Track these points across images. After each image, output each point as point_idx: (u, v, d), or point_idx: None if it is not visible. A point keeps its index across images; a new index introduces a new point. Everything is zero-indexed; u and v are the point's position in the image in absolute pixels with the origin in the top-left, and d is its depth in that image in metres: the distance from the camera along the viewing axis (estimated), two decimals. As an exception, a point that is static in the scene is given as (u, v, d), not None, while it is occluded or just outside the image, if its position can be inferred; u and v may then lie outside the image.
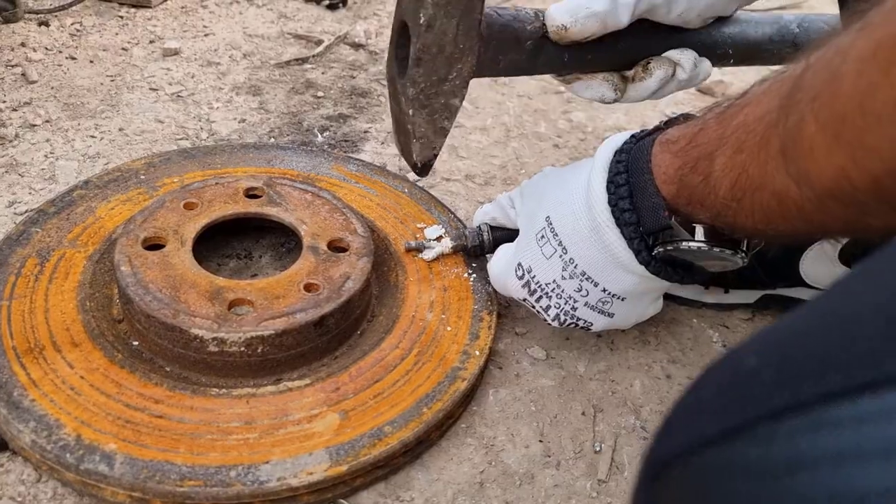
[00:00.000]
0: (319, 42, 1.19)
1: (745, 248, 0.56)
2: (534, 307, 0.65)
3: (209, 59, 1.13)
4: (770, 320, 0.78)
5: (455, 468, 0.61)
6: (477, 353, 0.66)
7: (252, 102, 1.04)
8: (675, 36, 0.69)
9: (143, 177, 0.79)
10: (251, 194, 0.74)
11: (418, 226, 0.78)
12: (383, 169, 0.88)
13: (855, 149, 0.36)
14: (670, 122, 0.58)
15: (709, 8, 0.68)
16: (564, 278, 0.61)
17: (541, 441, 0.64)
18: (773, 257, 0.73)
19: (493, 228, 0.72)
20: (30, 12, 1.14)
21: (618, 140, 0.59)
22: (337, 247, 0.69)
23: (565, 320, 0.64)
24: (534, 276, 0.63)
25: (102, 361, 0.60)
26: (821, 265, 0.71)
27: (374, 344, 0.65)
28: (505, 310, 0.74)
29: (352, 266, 0.67)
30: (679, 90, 0.71)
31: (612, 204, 0.57)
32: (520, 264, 0.64)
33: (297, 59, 1.14)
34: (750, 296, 0.77)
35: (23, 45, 1.09)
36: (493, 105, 1.12)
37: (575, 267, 0.60)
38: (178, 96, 1.04)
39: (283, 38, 1.21)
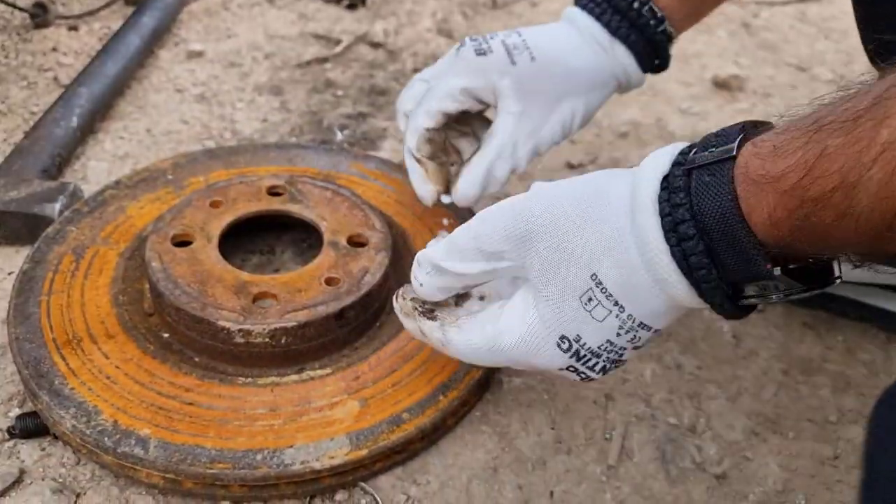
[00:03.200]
0: (339, 42, 1.22)
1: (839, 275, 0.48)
2: (575, 370, 0.53)
3: (232, 61, 1.16)
4: (781, 311, 0.80)
5: (470, 454, 0.64)
6: None
7: (274, 102, 1.07)
8: None
9: (170, 176, 0.83)
10: (273, 192, 0.77)
11: (436, 220, 0.80)
12: (401, 166, 0.90)
13: None
14: (726, 135, 0.47)
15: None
16: (619, 335, 0.51)
17: (553, 428, 0.66)
18: None
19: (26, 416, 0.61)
20: (60, 17, 1.18)
21: (656, 169, 0.48)
22: (356, 242, 0.72)
23: (609, 369, 0.54)
24: (584, 343, 0.51)
25: (136, 352, 0.64)
26: None
27: (393, 335, 0.68)
28: (519, 302, 0.77)
29: (370, 260, 0.70)
30: None
31: (679, 258, 0.46)
32: (564, 336, 0.51)
33: (317, 59, 1.17)
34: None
35: (54, 49, 1.13)
36: (508, 102, 1.14)
37: (633, 321, 0.50)
38: (203, 97, 1.07)
39: (303, 39, 1.24)
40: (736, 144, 0.45)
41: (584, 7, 0.72)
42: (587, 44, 0.71)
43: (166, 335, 0.67)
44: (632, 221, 0.48)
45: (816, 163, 0.41)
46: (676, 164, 0.47)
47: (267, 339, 0.63)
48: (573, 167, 1.00)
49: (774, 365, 0.74)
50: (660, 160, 0.48)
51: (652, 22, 0.70)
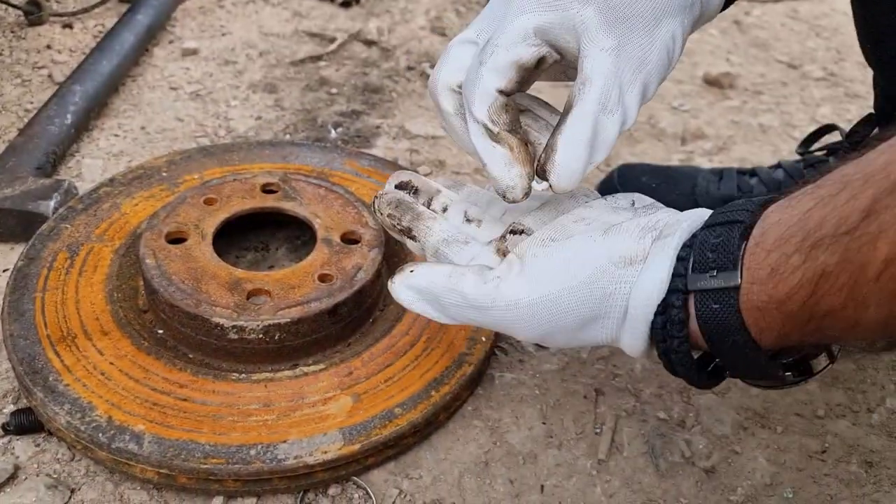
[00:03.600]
0: (333, 40, 1.23)
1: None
2: None
3: (226, 58, 1.16)
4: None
5: (462, 448, 0.65)
6: (483, 339, 0.69)
7: (268, 100, 1.08)
8: None
9: (164, 174, 0.83)
10: (267, 189, 0.77)
11: None
12: (395, 163, 0.91)
13: None
14: (725, 251, 0.44)
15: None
16: None
17: (544, 423, 0.67)
18: None
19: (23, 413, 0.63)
20: (54, 15, 1.18)
21: (653, 295, 0.45)
22: (349, 239, 0.73)
23: None
24: None
25: (130, 349, 0.64)
26: None
27: (386, 331, 0.69)
28: (511, 298, 0.78)
29: (364, 257, 0.70)
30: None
31: (669, 369, 0.48)
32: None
33: (311, 57, 1.18)
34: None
35: (48, 47, 1.13)
36: (502, 99, 1.14)
37: None
38: (197, 95, 1.08)
39: (297, 37, 1.24)
40: (740, 272, 0.43)
41: None
42: None
43: (161, 331, 0.67)
44: (621, 341, 0.47)
45: (820, 283, 0.40)
46: (673, 290, 0.44)
47: (260, 336, 0.64)
48: (566, 164, 1.01)
49: (763, 360, 0.74)
50: (656, 284, 0.45)
51: None
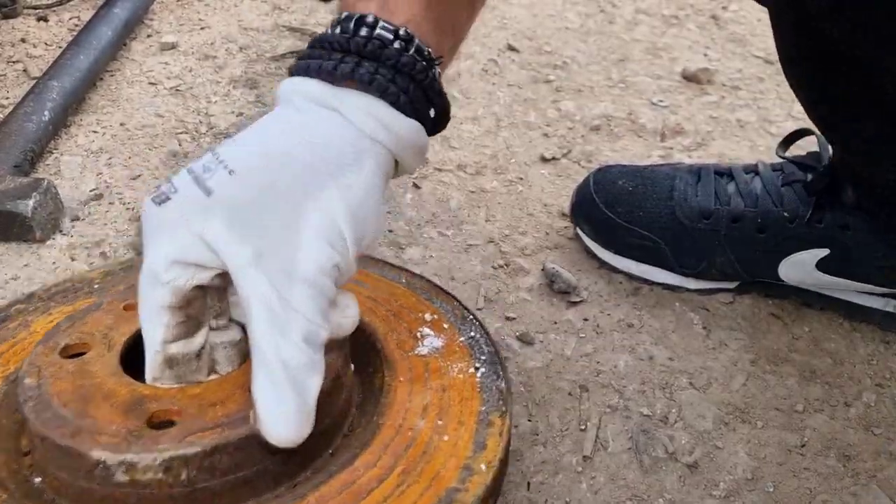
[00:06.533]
0: (313, 34, 1.22)
1: None
2: None
3: (206, 53, 1.15)
4: (749, 303, 0.82)
5: (449, 447, 0.65)
6: (483, 467, 0.51)
7: (249, 96, 1.07)
8: None
9: (97, 286, 0.66)
10: None
11: (417, 316, 0.65)
12: (378, 260, 0.73)
13: None
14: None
15: None
16: None
17: (529, 420, 0.68)
18: (753, 258, 0.77)
19: None
20: (28, 8, 1.16)
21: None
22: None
23: None
24: None
25: None
26: (799, 270, 0.76)
27: (345, 463, 0.50)
28: (495, 295, 0.78)
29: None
30: None
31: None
32: None
33: (291, 52, 1.17)
34: (731, 282, 0.81)
35: (23, 40, 1.11)
36: (483, 95, 1.15)
37: None
38: (177, 90, 1.07)
39: (277, 31, 1.23)
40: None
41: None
42: None
43: (38, 480, 0.48)
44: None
45: None
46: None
47: (160, 475, 0.44)
48: (546, 160, 1.01)
49: (743, 356, 0.76)
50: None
51: None
